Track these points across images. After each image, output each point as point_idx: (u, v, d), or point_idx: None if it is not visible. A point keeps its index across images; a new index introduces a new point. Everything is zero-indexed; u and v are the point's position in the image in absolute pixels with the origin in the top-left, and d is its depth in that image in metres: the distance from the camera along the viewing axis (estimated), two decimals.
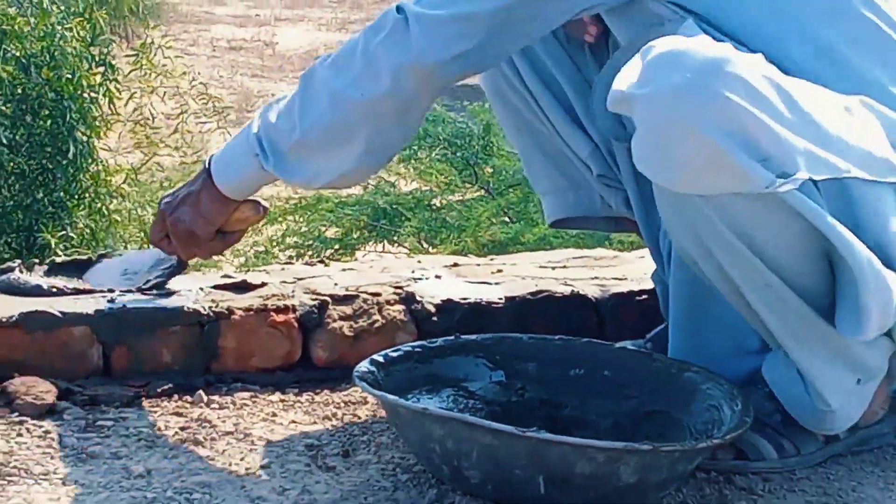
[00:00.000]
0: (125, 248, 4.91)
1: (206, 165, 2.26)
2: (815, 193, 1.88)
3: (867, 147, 1.91)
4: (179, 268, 2.46)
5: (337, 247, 5.92)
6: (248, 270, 2.79)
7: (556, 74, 2.37)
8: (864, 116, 1.96)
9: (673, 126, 1.82)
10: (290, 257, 5.83)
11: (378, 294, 2.45)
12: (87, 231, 4.53)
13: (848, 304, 1.95)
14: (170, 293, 2.39)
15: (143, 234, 5.02)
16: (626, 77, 1.84)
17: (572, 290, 2.52)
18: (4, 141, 4.30)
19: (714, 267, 2.03)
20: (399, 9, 2.09)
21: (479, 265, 2.74)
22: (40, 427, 2.14)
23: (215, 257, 2.89)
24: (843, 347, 2.03)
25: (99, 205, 4.63)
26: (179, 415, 2.22)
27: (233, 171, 2.23)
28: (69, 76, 4.42)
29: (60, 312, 2.28)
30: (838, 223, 1.88)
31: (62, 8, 4.65)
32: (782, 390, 2.12)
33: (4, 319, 2.25)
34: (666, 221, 2.10)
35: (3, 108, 4.22)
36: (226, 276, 2.59)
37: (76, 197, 4.51)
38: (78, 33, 4.55)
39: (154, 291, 2.40)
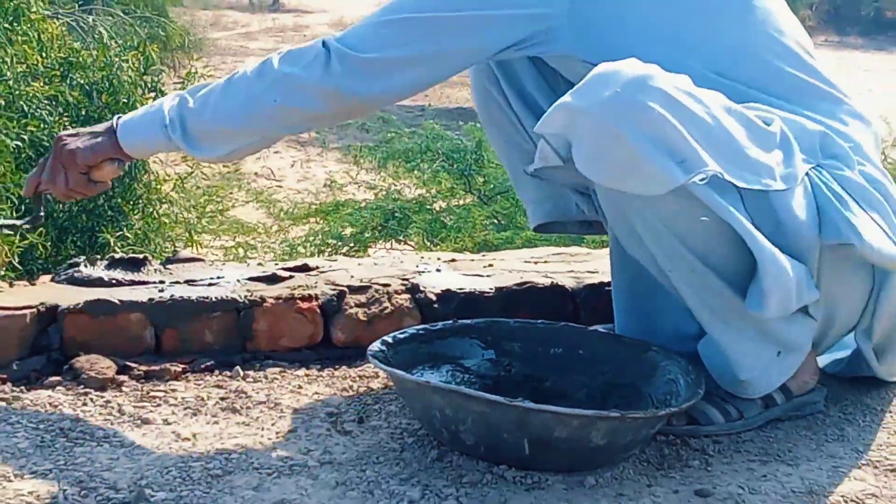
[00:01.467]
0: (173, 246, 4.91)
1: (114, 126, 2.24)
2: (732, 194, 1.89)
3: (760, 157, 1.92)
4: (35, 220, 2.42)
5: (352, 244, 5.91)
6: (278, 264, 2.77)
7: (538, 99, 2.36)
8: (764, 127, 1.97)
9: (605, 132, 1.85)
10: (313, 253, 5.82)
11: (388, 285, 2.45)
12: (141, 232, 4.51)
13: (756, 286, 1.97)
14: (212, 283, 2.39)
15: (188, 235, 5.01)
16: (567, 96, 1.88)
17: (552, 282, 2.52)
18: None
19: (646, 254, 2.05)
20: (324, 43, 2.12)
21: (472, 261, 2.74)
22: (102, 397, 2.14)
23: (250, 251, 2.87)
24: (759, 323, 2.04)
25: (151, 209, 4.60)
26: (220, 387, 2.22)
27: (139, 135, 2.23)
28: (125, 101, 4.40)
29: (119, 300, 2.28)
30: (744, 219, 1.90)
31: (119, 42, 4.63)
32: (710, 362, 2.13)
33: (72, 306, 2.25)
34: (606, 215, 2.12)
35: (70, 127, 4.20)
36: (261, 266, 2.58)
37: (131, 203, 4.49)
38: (133, 64, 4.53)
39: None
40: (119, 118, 2.24)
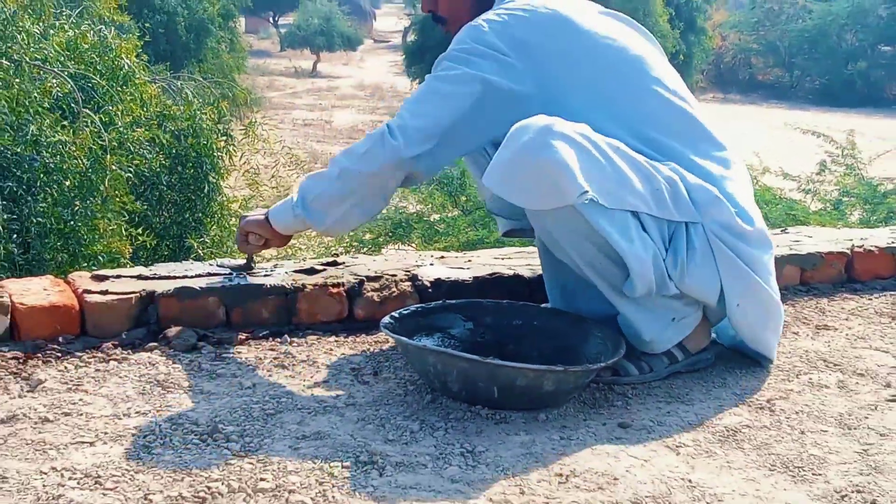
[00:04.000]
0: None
1: (265, 215, 2.27)
2: (608, 212, 1.93)
3: (637, 186, 1.96)
4: (247, 268, 2.44)
5: (370, 246, 5.91)
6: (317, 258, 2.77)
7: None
8: (647, 165, 2.00)
9: (521, 166, 1.92)
10: (341, 252, 5.81)
11: (395, 275, 2.44)
12: (217, 239, 4.52)
13: (630, 274, 2.00)
14: (267, 275, 2.39)
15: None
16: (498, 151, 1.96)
17: (514, 273, 2.52)
18: (165, 183, 4.29)
19: (564, 253, 2.09)
20: (388, 125, 2.11)
21: (457, 257, 2.73)
22: (187, 358, 2.14)
23: (296, 251, 2.87)
24: (654, 299, 2.06)
25: (223, 222, 4.62)
26: (272, 350, 2.21)
27: (280, 218, 2.23)
28: (204, 142, 4.42)
29: (200, 287, 2.27)
30: (614, 232, 1.94)
31: (200, 100, 4.64)
32: (625, 330, 2.13)
33: (165, 291, 2.24)
34: (534, 227, 2.14)
35: (164, 162, 4.21)
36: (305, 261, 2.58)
37: (209, 217, 4.50)
38: (210, 116, 4.54)
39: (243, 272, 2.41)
40: (269, 210, 2.27)
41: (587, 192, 1.87)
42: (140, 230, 3.88)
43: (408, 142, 2.07)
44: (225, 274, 2.39)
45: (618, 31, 2.18)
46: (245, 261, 2.46)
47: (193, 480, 1.62)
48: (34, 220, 3.28)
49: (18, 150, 3.29)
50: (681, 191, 2.01)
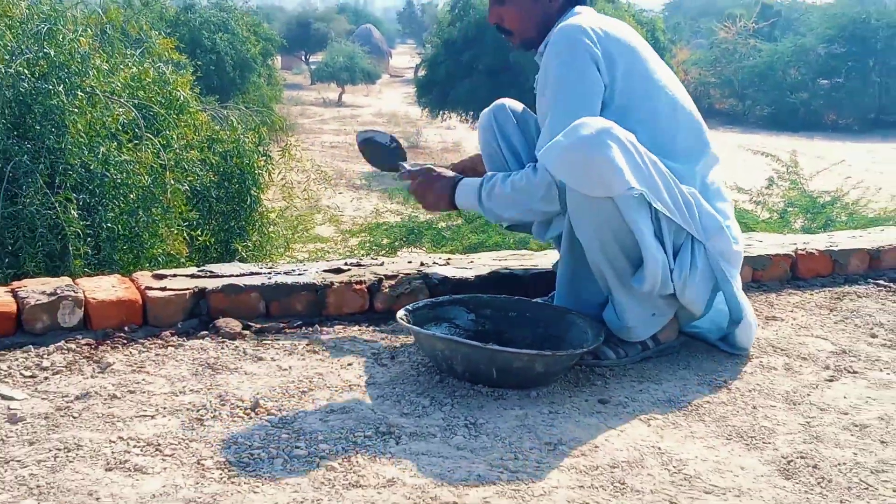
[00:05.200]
0: (280, 253, 4.93)
1: (453, 187, 2.16)
2: (644, 212, 1.92)
3: (665, 195, 1.95)
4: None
5: (387, 249, 5.90)
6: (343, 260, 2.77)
7: (518, 148, 2.33)
8: (673, 180, 1.99)
9: (577, 155, 1.88)
10: (363, 255, 5.81)
11: (409, 274, 2.43)
12: (257, 243, 4.53)
13: (641, 271, 1.99)
14: (300, 274, 2.38)
15: (286, 245, 5.04)
16: (559, 136, 1.91)
17: (510, 272, 2.51)
18: (214, 196, 4.30)
19: (585, 235, 2.03)
20: (536, 161, 2.05)
21: (461, 259, 2.72)
22: (233, 344, 2.14)
23: (325, 254, 2.87)
24: (642, 294, 2.04)
25: (263, 229, 4.63)
26: (305, 338, 2.21)
27: (462, 197, 2.15)
28: (247, 162, 4.42)
29: (244, 284, 2.27)
30: (644, 228, 1.93)
31: (243, 126, 4.64)
32: (609, 317, 2.12)
33: (214, 288, 2.24)
34: (568, 207, 2.05)
35: (213, 178, 4.22)
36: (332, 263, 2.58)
37: (251, 225, 4.51)
38: (251, 139, 4.54)
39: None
40: (460, 180, 2.17)
41: (634, 187, 1.87)
42: (196, 233, 3.89)
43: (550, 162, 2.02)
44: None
45: (667, 75, 2.16)
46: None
47: (238, 448, 1.62)
48: (105, 227, 3.29)
49: (92, 167, 3.30)
50: (695, 212, 2.02)
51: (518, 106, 2.36)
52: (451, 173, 2.23)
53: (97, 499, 1.43)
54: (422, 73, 15.97)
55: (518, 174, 2.09)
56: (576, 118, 1.93)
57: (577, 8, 2.18)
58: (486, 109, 2.38)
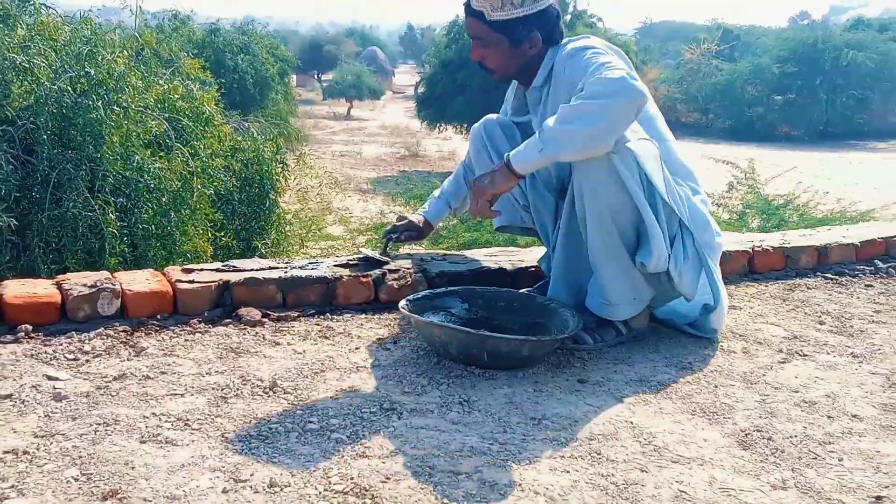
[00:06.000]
0: (295, 250, 4.91)
1: (506, 160, 1.94)
2: (653, 192, 1.91)
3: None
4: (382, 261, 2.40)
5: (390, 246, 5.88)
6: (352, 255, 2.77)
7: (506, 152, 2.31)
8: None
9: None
10: (370, 251, 5.80)
11: (409, 268, 2.43)
12: (275, 241, 4.52)
13: (646, 248, 1.96)
14: (313, 268, 2.38)
15: (300, 242, 5.02)
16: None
17: (499, 266, 2.51)
18: (236, 199, 4.29)
19: (582, 209, 1.99)
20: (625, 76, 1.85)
21: (456, 254, 2.72)
22: (253, 330, 2.13)
23: (336, 251, 2.85)
24: (632, 276, 2.03)
25: (281, 228, 4.61)
26: (318, 325, 2.21)
27: (523, 157, 1.90)
28: (266, 169, 4.41)
29: (263, 278, 2.26)
30: (650, 209, 1.91)
31: (262, 136, 4.63)
32: (591, 304, 2.11)
33: (237, 280, 2.24)
34: (574, 180, 1.99)
35: (236, 183, 4.21)
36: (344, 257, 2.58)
37: (269, 225, 4.50)
38: (270, 148, 4.53)
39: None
40: (509, 155, 1.94)
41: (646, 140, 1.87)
42: (220, 233, 3.88)
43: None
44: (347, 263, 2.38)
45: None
46: (381, 253, 2.42)
47: (258, 423, 1.62)
48: (139, 227, 3.28)
49: (127, 174, 3.29)
50: (685, 205, 2.04)
51: (504, 120, 2.37)
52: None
53: (132, 468, 1.43)
54: (421, 90, 15.93)
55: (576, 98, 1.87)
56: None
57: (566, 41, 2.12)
58: (476, 123, 2.39)
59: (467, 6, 2.08)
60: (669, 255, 1.98)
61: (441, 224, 2.74)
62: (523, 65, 2.14)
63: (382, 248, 2.48)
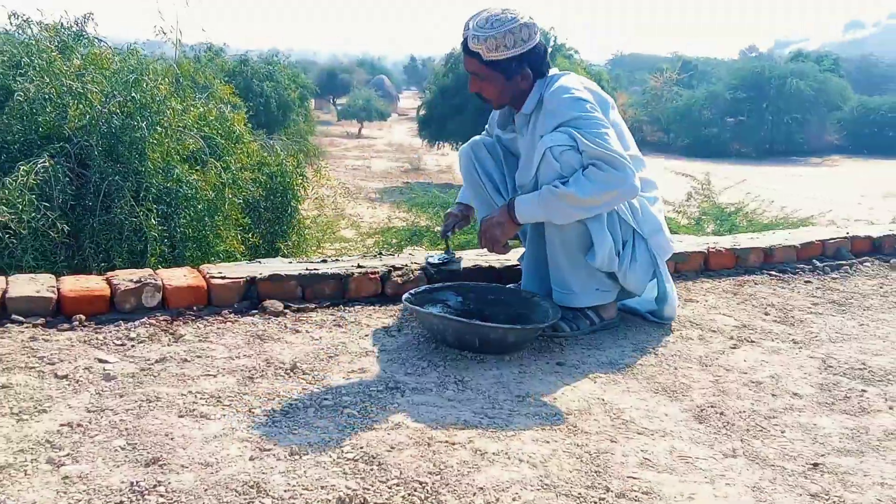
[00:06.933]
0: (313, 250, 4.89)
1: (509, 209, 1.98)
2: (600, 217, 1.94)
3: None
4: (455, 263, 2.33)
5: (396, 247, 5.87)
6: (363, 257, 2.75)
7: (493, 174, 2.28)
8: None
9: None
10: (378, 252, 5.79)
11: (412, 266, 2.42)
12: (296, 243, 4.51)
13: (592, 250, 1.99)
14: (329, 266, 2.37)
15: (318, 244, 5.00)
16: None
17: (489, 264, 2.50)
18: (262, 207, 4.28)
19: (555, 229, 2.01)
20: (624, 162, 1.89)
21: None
22: (276, 319, 2.13)
23: (348, 252, 2.82)
24: (591, 271, 2.03)
25: (300, 232, 4.60)
26: (332, 315, 2.20)
27: (523, 208, 1.95)
28: (288, 180, 4.40)
29: (285, 274, 2.26)
30: (597, 221, 1.95)
31: (284, 152, 4.62)
32: (560, 278, 2.09)
33: (262, 276, 2.23)
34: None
35: (262, 193, 4.20)
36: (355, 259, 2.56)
37: (291, 229, 4.48)
38: (291, 163, 4.53)
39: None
40: (514, 203, 1.97)
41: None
42: (249, 235, 3.88)
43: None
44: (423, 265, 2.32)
45: (618, 116, 2.12)
46: (446, 252, 2.34)
47: (281, 399, 1.62)
48: (178, 231, 3.27)
49: (168, 185, 3.28)
50: (640, 214, 2.04)
51: (488, 140, 2.35)
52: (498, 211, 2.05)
53: (172, 438, 1.43)
54: (422, 112, 15.93)
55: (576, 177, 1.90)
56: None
57: (553, 72, 2.09)
58: (464, 145, 2.36)
59: (465, 47, 2.03)
60: (619, 257, 1.99)
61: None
62: (518, 95, 2.12)
63: (446, 248, 2.38)
